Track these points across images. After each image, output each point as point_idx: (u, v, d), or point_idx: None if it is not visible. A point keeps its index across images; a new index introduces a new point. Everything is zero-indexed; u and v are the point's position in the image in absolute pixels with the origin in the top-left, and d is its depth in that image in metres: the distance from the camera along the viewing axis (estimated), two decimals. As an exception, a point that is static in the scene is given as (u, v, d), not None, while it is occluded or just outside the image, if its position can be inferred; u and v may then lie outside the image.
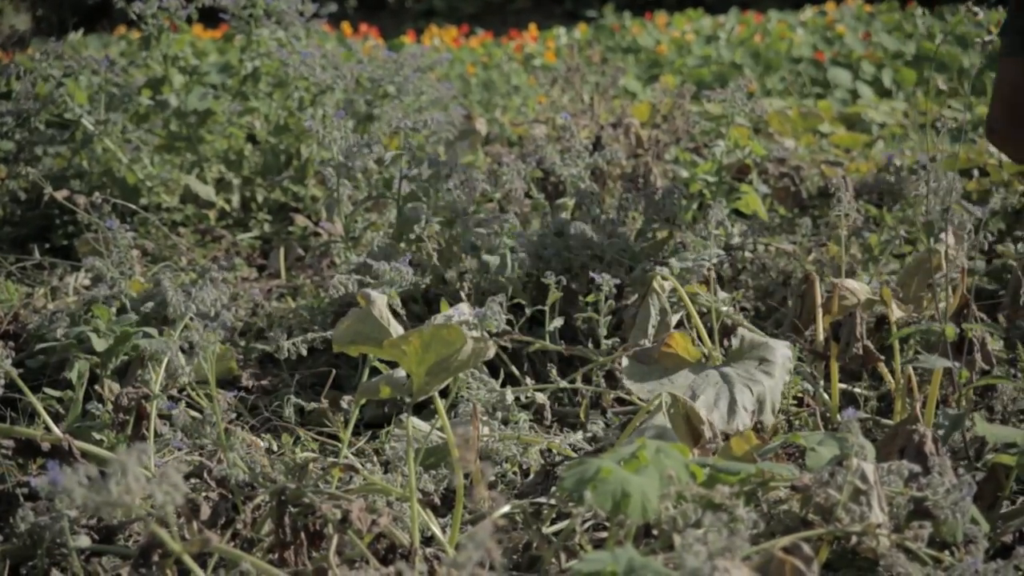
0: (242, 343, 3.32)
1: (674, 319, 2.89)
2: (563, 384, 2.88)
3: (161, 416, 2.54)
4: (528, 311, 3.26)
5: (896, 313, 2.73)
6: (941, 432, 2.30)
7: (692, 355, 2.48)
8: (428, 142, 4.82)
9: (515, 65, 7.02)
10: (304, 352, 2.85)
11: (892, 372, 2.72)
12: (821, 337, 2.80)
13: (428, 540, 2.20)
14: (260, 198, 4.82)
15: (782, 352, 2.52)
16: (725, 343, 2.73)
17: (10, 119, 4.59)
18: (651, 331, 2.84)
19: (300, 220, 4.59)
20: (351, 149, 3.54)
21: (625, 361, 2.48)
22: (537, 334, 3.14)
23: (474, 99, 6.36)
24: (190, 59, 4.85)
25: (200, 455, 2.48)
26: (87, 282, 3.82)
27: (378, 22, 10.20)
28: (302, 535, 2.02)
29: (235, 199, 4.78)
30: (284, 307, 3.59)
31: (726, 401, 2.34)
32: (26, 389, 2.30)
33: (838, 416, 2.69)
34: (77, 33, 8.02)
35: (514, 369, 3.07)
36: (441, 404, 2.22)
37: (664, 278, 2.87)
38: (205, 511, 2.13)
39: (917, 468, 1.89)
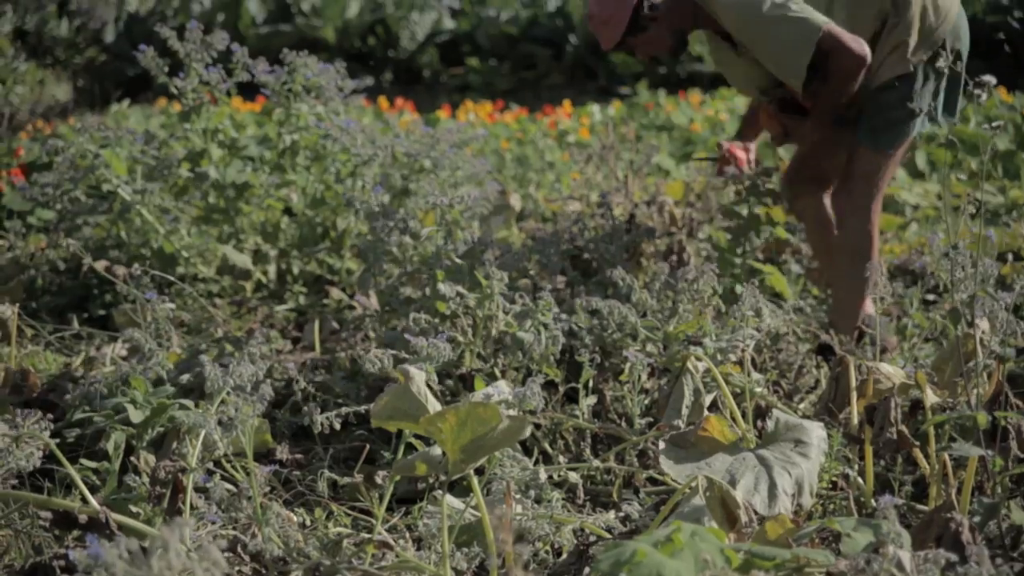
0: (277, 415, 3.34)
1: (708, 399, 2.89)
2: (596, 463, 2.88)
3: (197, 489, 2.55)
4: (562, 388, 3.27)
5: (931, 398, 2.72)
6: (977, 520, 2.29)
7: (727, 437, 2.48)
8: (463, 217, 4.85)
9: (549, 141, 7.07)
10: (338, 426, 2.87)
11: (927, 457, 2.71)
12: (856, 420, 2.79)
13: (461, 619, 2.19)
14: (296, 270, 4.86)
15: (817, 434, 2.52)
16: (759, 424, 2.73)
17: (51, 190, 4.66)
18: (685, 411, 2.84)
19: (335, 293, 4.62)
20: (387, 224, 3.58)
21: (662, 445, 2.48)
22: (571, 411, 3.14)
23: (508, 174, 6.41)
24: (229, 132, 4.92)
25: (235, 529, 2.49)
26: (124, 352, 3.85)
27: (414, 96, 10.31)
28: (336, 612, 2.02)
29: (271, 271, 4.82)
30: (319, 380, 3.61)
31: (766, 485, 2.33)
32: (64, 460, 2.32)
33: (873, 501, 2.68)
34: (120, 104, 8.14)
35: (547, 447, 3.07)
36: (476, 481, 2.22)
37: (698, 358, 2.88)
38: (240, 586, 2.14)
39: (954, 557, 1.88)
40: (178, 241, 4.66)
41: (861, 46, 3.76)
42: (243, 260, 4.67)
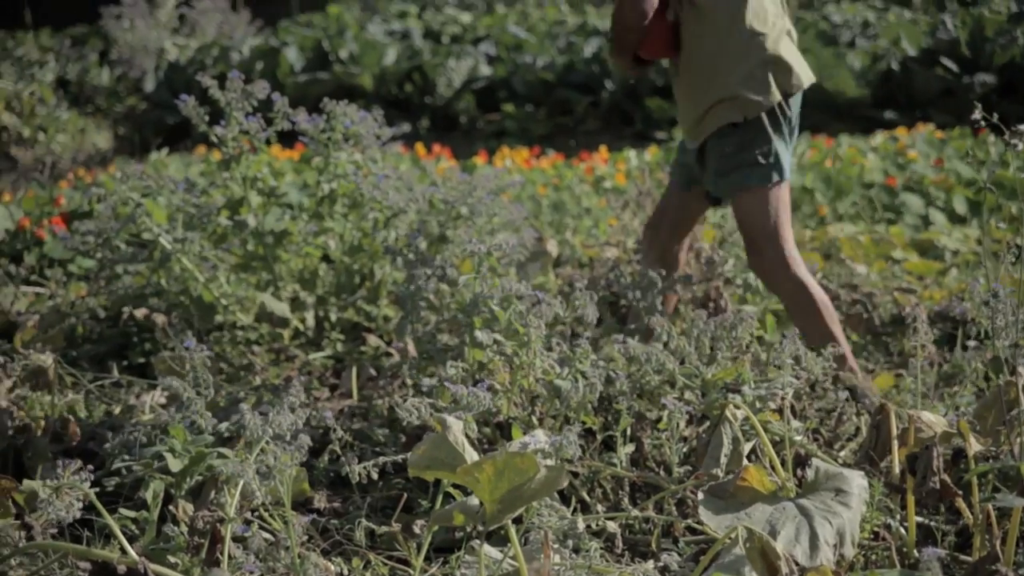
0: (315, 463, 3.34)
1: (747, 447, 2.87)
2: (635, 512, 2.86)
3: (235, 539, 2.55)
4: (599, 436, 3.25)
5: (974, 447, 2.69)
6: (1022, 572, 2.26)
7: (767, 487, 2.46)
8: (500, 264, 4.86)
9: (586, 187, 7.09)
10: (376, 475, 2.87)
11: (970, 507, 2.68)
12: (897, 469, 2.77)
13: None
14: (333, 317, 4.87)
15: (858, 483, 2.50)
16: (799, 473, 2.71)
17: (92, 238, 4.71)
18: (723, 460, 2.83)
19: (372, 340, 4.63)
20: (424, 272, 3.59)
21: (701, 494, 2.47)
22: (608, 459, 3.13)
23: (545, 220, 6.42)
24: (268, 180, 4.95)
25: (272, 579, 2.49)
26: (163, 400, 3.87)
27: (451, 142, 10.35)
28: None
29: (309, 318, 4.84)
30: (356, 428, 3.61)
31: (807, 536, 2.31)
32: (103, 510, 2.33)
33: (915, 551, 2.65)
34: (160, 152, 8.22)
35: (585, 495, 3.06)
36: (513, 531, 2.21)
37: (736, 406, 2.87)
38: (277, 637, 2.14)
39: (999, 610, 1.85)
40: (217, 289, 4.68)
41: (636, 12, 3.80)
42: (281, 308, 4.69)
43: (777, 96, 3.85)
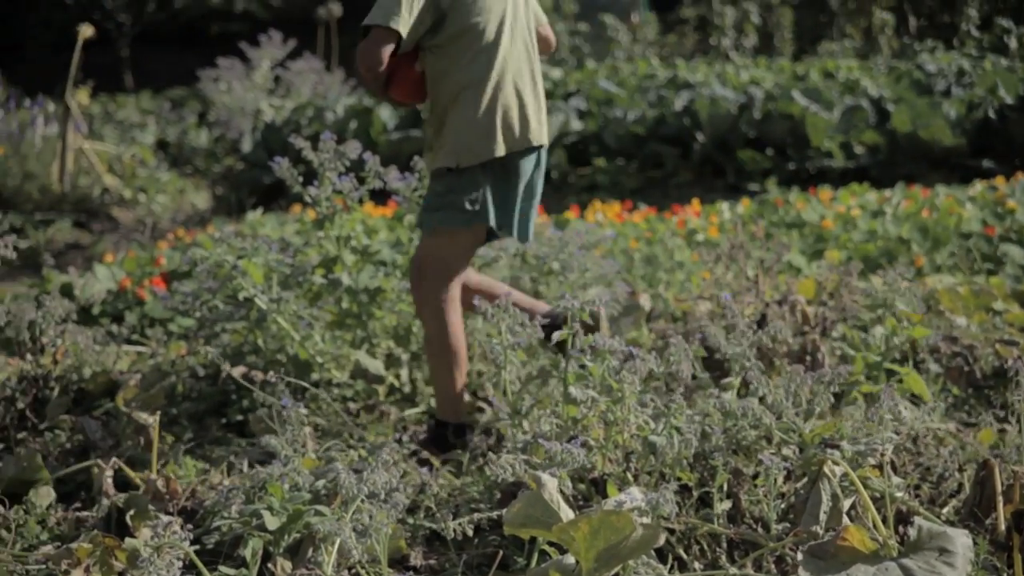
0: (410, 521, 3.35)
1: (846, 504, 2.83)
2: (733, 570, 2.83)
3: (332, 597, 2.56)
4: (695, 492, 3.22)
5: (1082, 503, 2.63)
6: None
7: (868, 547, 2.42)
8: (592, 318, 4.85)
9: (678, 240, 7.07)
10: (471, 532, 2.86)
11: (1080, 565, 2.61)
12: (1003, 527, 2.70)
13: None
14: (427, 373, 4.89)
15: (962, 542, 2.44)
16: (901, 531, 2.66)
17: (191, 299, 4.79)
18: (823, 517, 2.79)
19: (466, 396, 4.64)
20: (516, 327, 3.59)
21: (800, 556, 2.43)
22: (705, 516, 3.10)
23: (637, 274, 6.40)
24: (361, 239, 5.00)
25: (369, 637, 2.49)
26: (260, 458, 3.90)
27: (543, 197, 10.39)
28: None
29: (403, 374, 4.87)
30: (451, 485, 3.62)
31: (909, 597, 2.27)
32: (203, 569, 2.35)
33: (1023, 611, 2.58)
34: (255, 212, 8.35)
35: (682, 552, 3.03)
36: (610, 592, 2.20)
37: (835, 462, 2.83)
38: None
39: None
40: (313, 347, 4.73)
41: (369, 63, 3.90)
42: (376, 366, 4.72)
43: (495, 152, 4.03)
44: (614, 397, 3.46)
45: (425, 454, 4.03)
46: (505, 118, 4.09)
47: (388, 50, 3.92)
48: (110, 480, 3.62)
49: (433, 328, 4.11)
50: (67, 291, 6.54)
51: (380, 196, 8.07)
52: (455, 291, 4.14)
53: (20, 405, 4.39)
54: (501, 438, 4.09)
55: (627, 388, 3.38)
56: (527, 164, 4.17)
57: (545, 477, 2.36)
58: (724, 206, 8.79)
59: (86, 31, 12.72)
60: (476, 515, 2.91)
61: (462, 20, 4.03)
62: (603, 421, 3.49)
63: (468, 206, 4.07)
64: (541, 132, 4.18)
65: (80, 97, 14.21)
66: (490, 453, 3.75)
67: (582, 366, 3.59)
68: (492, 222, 4.12)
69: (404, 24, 3.94)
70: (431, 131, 4.15)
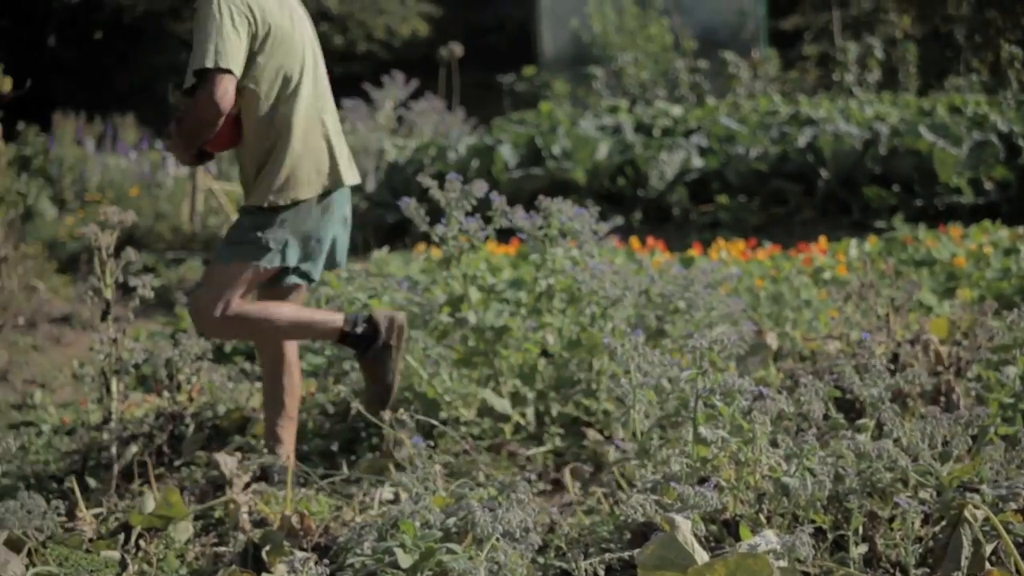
0: (540, 560, 3.35)
1: (988, 549, 2.77)
2: (870, 616, 2.78)
3: (466, 636, 2.57)
4: (830, 535, 3.17)
5: None
6: None
7: (1013, 593, 2.36)
8: (719, 357, 4.82)
9: (804, 278, 6.98)
10: (602, 572, 2.85)
11: None
12: None
13: None
14: (554, 412, 4.90)
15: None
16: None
17: (321, 336, 4.86)
18: (964, 563, 2.73)
19: (592, 435, 4.64)
20: (645, 366, 3.59)
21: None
22: (840, 559, 3.05)
23: (763, 313, 6.34)
24: (487, 277, 5.04)
25: (503, 677, 2.50)
26: (391, 496, 3.94)
27: (664, 235, 10.36)
28: None
29: (529, 413, 4.88)
30: (580, 524, 3.61)
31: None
32: (341, 605, 2.38)
33: None
34: (380, 250, 8.46)
35: (817, 597, 2.99)
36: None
37: (975, 506, 2.77)
38: None
39: None
40: (440, 385, 4.77)
41: (215, 108, 3.89)
42: (502, 404, 4.74)
43: (305, 194, 4.13)
44: (745, 437, 3.42)
45: (552, 491, 4.04)
46: (316, 160, 4.18)
47: (233, 92, 3.95)
48: (246, 516, 3.70)
49: (232, 332, 4.38)
50: (200, 329, 6.68)
51: (502, 234, 8.14)
52: (235, 309, 4.15)
53: (158, 441, 4.50)
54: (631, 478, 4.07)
55: (758, 428, 3.35)
56: (339, 202, 4.27)
57: (679, 519, 2.35)
58: (851, 243, 8.67)
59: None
60: (607, 555, 2.90)
61: (273, 61, 4.09)
62: (734, 462, 3.46)
63: (271, 245, 4.13)
64: (351, 172, 4.30)
65: (209, 139, 14.55)
66: (619, 493, 3.74)
67: (711, 406, 3.57)
68: (292, 263, 4.19)
69: (238, 64, 3.99)
70: (247, 172, 4.21)
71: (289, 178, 4.12)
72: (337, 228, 4.32)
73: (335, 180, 4.24)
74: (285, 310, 4.22)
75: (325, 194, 4.22)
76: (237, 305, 4.13)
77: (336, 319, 4.29)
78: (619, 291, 4.78)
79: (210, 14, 3.92)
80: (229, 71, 3.91)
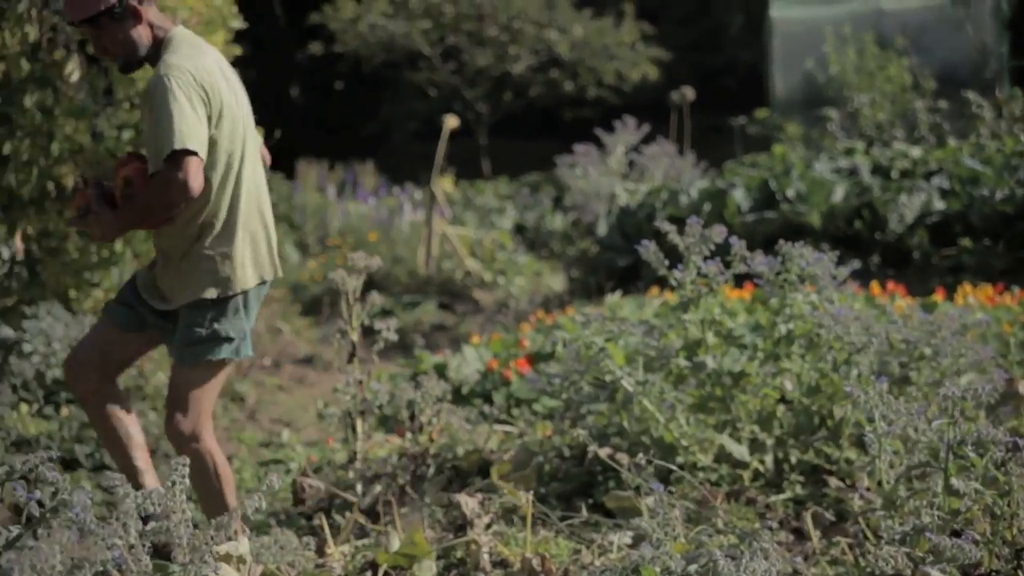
0: (782, 611, 3.29)
1: None
2: None
3: None
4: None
5: None
6: None
7: None
8: (970, 406, 4.65)
9: (1056, 324, 6.69)
10: (850, 626, 2.78)
11: None
12: None
13: None
14: (793, 459, 4.81)
15: None
16: None
17: (558, 381, 4.92)
18: None
19: (834, 483, 4.53)
20: (891, 414, 3.49)
21: None
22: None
23: (1013, 360, 6.09)
24: (726, 322, 5.00)
25: None
26: (629, 540, 3.93)
27: (903, 279, 10.07)
28: None
29: (768, 460, 4.81)
30: (823, 574, 3.53)
31: None
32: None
33: None
34: (613, 294, 8.49)
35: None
36: None
37: None
38: None
39: None
40: (677, 430, 4.75)
41: (185, 192, 3.81)
42: (740, 451, 4.69)
43: (253, 281, 4.06)
44: (1000, 490, 3.30)
45: (792, 541, 3.96)
46: (258, 246, 4.10)
47: (202, 176, 3.86)
48: (487, 556, 3.75)
49: (209, 462, 4.07)
50: (440, 371, 6.84)
51: (736, 278, 8.06)
52: (208, 419, 4.09)
53: (400, 481, 4.61)
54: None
55: (1015, 480, 3.22)
56: (264, 289, 4.17)
57: (935, 573, 2.27)
58: (1106, 288, 8.27)
59: (453, 122, 13.36)
60: (856, 608, 2.82)
61: (222, 141, 4.00)
62: (988, 515, 3.33)
63: (234, 335, 4.03)
64: (278, 262, 4.21)
65: (444, 184, 14.92)
66: (866, 543, 3.65)
67: (962, 456, 3.45)
68: (250, 350, 4.12)
69: (204, 146, 3.90)
70: (186, 261, 4.04)
71: (236, 267, 4.04)
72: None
73: (272, 267, 4.18)
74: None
75: (261, 283, 4.16)
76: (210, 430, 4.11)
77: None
78: (865, 338, 4.66)
79: (168, 96, 3.85)
80: (196, 154, 3.84)
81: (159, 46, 4.03)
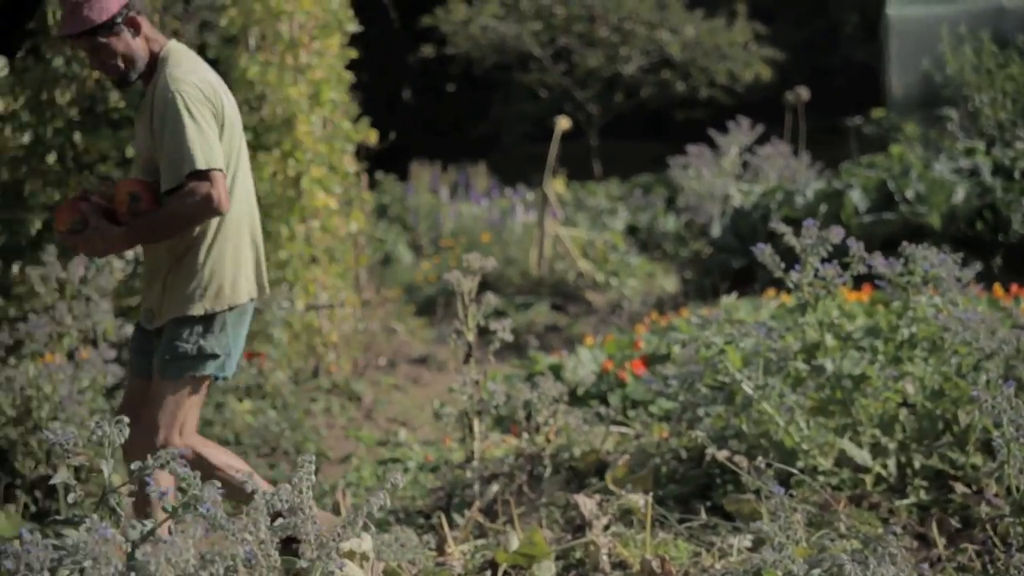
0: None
1: None
2: None
3: None
4: None
5: None
6: None
7: None
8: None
9: None
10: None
11: None
12: None
13: None
14: (916, 464, 4.72)
15: None
16: None
17: (675, 382, 4.89)
18: None
19: (960, 489, 4.44)
20: (1020, 419, 3.42)
21: None
22: None
23: None
24: (845, 325, 4.93)
25: None
26: (748, 544, 3.90)
27: (1031, 292, 9.84)
28: None
29: (890, 464, 4.73)
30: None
31: None
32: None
33: None
34: (728, 296, 8.42)
35: None
36: None
37: None
38: None
39: None
40: (797, 433, 4.69)
41: (213, 210, 3.82)
42: (861, 456, 4.62)
43: (244, 297, 4.01)
44: None
45: (917, 547, 3.90)
46: (247, 262, 4.05)
47: (227, 192, 3.86)
48: (606, 558, 3.74)
49: (194, 457, 3.88)
50: (556, 372, 6.84)
51: (854, 280, 7.94)
52: (191, 431, 4.00)
53: (518, 481, 4.63)
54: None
55: None
56: (251, 307, 4.10)
57: (1072, 582, 2.22)
58: None
59: (565, 123, 13.37)
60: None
61: (226, 152, 3.96)
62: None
63: (219, 352, 3.97)
64: (265, 279, 4.14)
65: (556, 185, 14.92)
66: (995, 551, 3.57)
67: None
68: (233, 368, 4.05)
69: (222, 161, 3.89)
70: (172, 276, 3.97)
71: (224, 283, 3.99)
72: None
73: (261, 286, 4.14)
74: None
75: (250, 300, 4.10)
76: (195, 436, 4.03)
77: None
78: (994, 344, 4.56)
79: (181, 113, 3.85)
80: (221, 170, 3.86)
81: (155, 60, 4.05)
